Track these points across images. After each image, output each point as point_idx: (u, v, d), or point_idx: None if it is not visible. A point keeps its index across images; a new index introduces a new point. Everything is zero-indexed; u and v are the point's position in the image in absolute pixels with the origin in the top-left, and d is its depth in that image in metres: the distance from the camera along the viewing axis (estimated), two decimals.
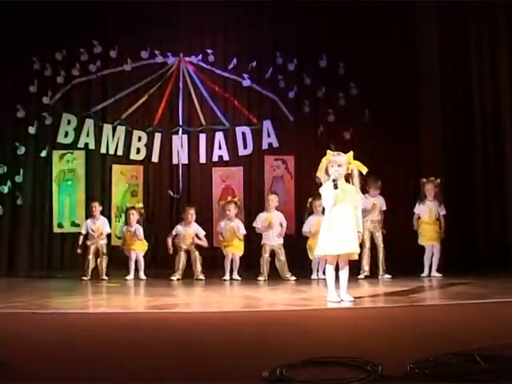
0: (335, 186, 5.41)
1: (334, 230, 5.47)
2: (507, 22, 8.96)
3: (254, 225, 8.21)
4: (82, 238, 8.43)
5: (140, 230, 8.46)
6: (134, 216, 8.46)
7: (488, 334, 3.65)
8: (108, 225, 8.67)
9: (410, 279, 7.53)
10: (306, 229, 8.22)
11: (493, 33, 9.15)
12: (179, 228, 8.42)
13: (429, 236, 8.20)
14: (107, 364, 3.07)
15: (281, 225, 8.21)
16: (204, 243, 8.38)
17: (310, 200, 8.09)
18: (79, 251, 8.40)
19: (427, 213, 8.19)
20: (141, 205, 8.83)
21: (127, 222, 8.51)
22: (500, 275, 7.65)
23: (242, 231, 8.31)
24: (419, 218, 8.24)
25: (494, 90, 9.16)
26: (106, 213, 9.28)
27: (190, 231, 8.38)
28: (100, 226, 8.49)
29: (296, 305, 5.61)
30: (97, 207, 8.57)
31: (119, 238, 9.35)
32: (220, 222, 8.53)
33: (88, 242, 8.36)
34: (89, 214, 8.80)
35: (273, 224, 8.13)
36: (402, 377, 2.60)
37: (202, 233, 8.42)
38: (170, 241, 8.33)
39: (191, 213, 8.40)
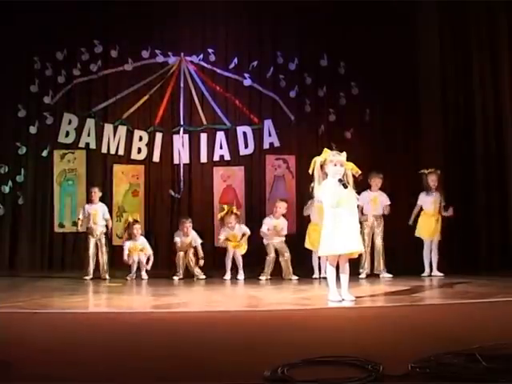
0: (345, 186, 5.42)
1: (338, 230, 5.46)
2: (508, 22, 8.96)
3: (264, 230, 8.16)
4: (79, 222, 8.46)
5: (146, 243, 8.49)
6: (139, 231, 8.48)
7: (489, 333, 3.65)
8: (107, 210, 8.63)
9: (411, 278, 7.54)
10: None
11: (493, 33, 9.14)
12: (177, 239, 8.44)
13: (429, 229, 8.21)
14: (108, 364, 3.07)
15: (281, 230, 8.24)
16: (201, 260, 8.35)
17: (312, 184, 8.07)
18: (79, 229, 8.46)
19: (432, 204, 8.21)
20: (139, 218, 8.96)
21: (131, 237, 8.46)
22: (501, 274, 7.64)
23: (247, 233, 8.36)
24: (420, 210, 8.25)
25: (494, 89, 9.14)
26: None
27: (188, 240, 8.41)
28: (98, 210, 8.45)
29: (297, 304, 5.62)
30: (96, 192, 8.53)
31: (120, 237, 9.37)
32: (221, 230, 8.50)
33: (88, 233, 8.36)
34: (88, 199, 8.83)
35: (277, 231, 8.16)
36: (403, 376, 2.60)
37: (199, 241, 8.42)
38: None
39: (187, 226, 8.42)
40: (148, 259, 8.42)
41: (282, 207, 8.30)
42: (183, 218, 8.67)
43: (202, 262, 8.32)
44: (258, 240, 8.31)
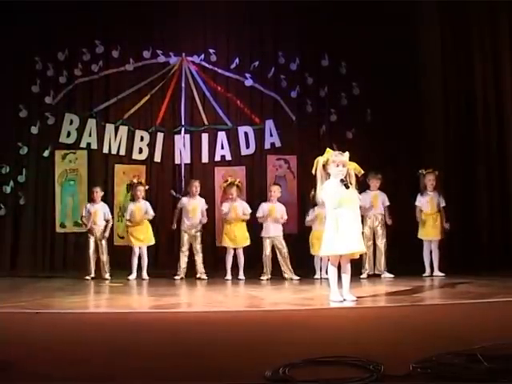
0: (347, 186, 5.42)
1: (340, 230, 5.46)
2: (509, 22, 8.96)
3: (258, 215, 8.24)
4: (83, 219, 8.50)
5: (148, 205, 8.55)
6: (142, 193, 8.54)
7: (491, 333, 3.64)
8: (109, 210, 8.68)
9: (412, 278, 7.53)
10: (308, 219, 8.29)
11: (494, 33, 9.13)
12: (184, 201, 8.47)
13: (428, 230, 8.22)
14: (109, 364, 3.07)
15: (281, 217, 8.24)
16: (203, 219, 8.43)
17: (312, 193, 8.06)
18: (88, 227, 8.44)
19: (429, 203, 8.23)
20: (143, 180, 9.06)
21: (134, 199, 8.56)
22: (502, 274, 7.63)
23: (248, 210, 8.36)
24: (421, 210, 8.28)
25: (496, 89, 9.14)
26: None
27: (195, 203, 8.42)
28: (98, 209, 8.50)
29: (299, 304, 5.62)
30: (98, 192, 8.58)
31: (122, 237, 9.39)
32: (223, 203, 8.56)
33: (88, 228, 8.40)
34: (90, 199, 8.90)
35: (274, 214, 8.15)
36: (404, 376, 2.60)
37: (204, 206, 8.51)
38: (176, 215, 8.47)
39: (196, 185, 8.49)
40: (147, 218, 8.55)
41: (276, 191, 8.35)
42: (192, 179, 8.86)
43: (204, 221, 8.43)
44: (257, 239, 8.31)
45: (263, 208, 8.27)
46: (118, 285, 7.61)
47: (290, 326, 4.33)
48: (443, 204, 8.24)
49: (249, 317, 4.94)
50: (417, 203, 8.30)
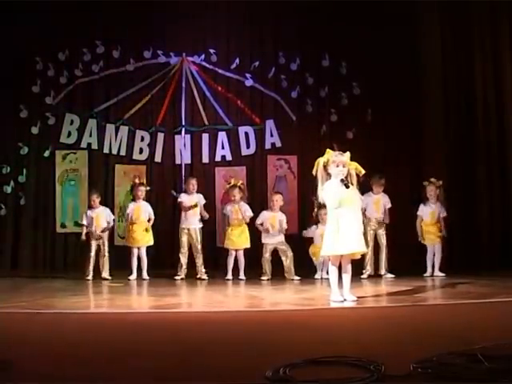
0: (347, 186, 5.42)
1: (340, 230, 5.46)
2: (509, 22, 8.97)
3: (258, 222, 8.23)
4: (85, 228, 8.45)
5: (149, 207, 8.57)
6: (143, 193, 8.55)
7: (491, 333, 3.65)
8: (110, 212, 8.67)
9: (413, 279, 7.53)
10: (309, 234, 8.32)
11: (495, 33, 9.15)
12: (183, 197, 8.53)
13: (431, 236, 8.24)
14: (110, 364, 3.08)
15: (280, 225, 8.22)
16: (205, 214, 8.47)
17: (315, 210, 8.02)
18: (84, 238, 8.42)
19: (430, 214, 8.23)
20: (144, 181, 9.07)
21: (134, 199, 8.58)
22: (502, 275, 7.64)
23: (249, 213, 8.32)
24: (422, 220, 8.28)
25: (496, 90, 9.16)
26: None
27: (193, 200, 8.45)
28: (100, 213, 8.50)
29: (299, 304, 5.62)
30: (95, 200, 8.57)
31: (122, 237, 9.38)
32: (225, 205, 8.56)
33: (89, 236, 8.38)
34: (89, 206, 8.85)
35: (274, 225, 8.15)
36: (404, 376, 2.60)
37: (203, 201, 8.56)
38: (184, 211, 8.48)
39: (192, 183, 8.56)
40: (149, 220, 8.55)
41: (279, 199, 8.32)
42: (189, 177, 8.94)
43: (206, 217, 8.52)
44: (258, 240, 8.31)
45: (264, 216, 8.23)
46: (119, 285, 7.61)
47: (290, 325, 4.33)
48: (444, 214, 8.22)
49: (249, 317, 4.94)
50: (419, 213, 8.29)
